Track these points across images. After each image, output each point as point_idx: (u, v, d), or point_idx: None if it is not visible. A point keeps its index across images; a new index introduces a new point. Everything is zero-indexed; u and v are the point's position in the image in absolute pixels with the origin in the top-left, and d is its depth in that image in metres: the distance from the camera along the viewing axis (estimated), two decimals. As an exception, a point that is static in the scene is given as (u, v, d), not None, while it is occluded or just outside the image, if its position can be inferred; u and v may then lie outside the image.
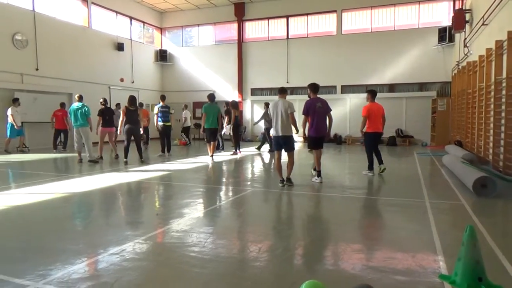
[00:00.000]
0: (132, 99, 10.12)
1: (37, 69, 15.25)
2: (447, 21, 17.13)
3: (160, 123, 12.11)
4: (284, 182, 7.10)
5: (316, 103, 7.38)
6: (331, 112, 7.63)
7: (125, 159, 10.09)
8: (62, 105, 14.42)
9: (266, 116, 13.52)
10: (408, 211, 5.30)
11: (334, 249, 3.77)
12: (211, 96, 10.99)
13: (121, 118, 10.12)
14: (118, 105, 15.11)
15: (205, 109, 10.83)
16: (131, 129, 9.99)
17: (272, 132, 7.12)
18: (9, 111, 13.07)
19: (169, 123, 12.21)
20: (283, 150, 7.17)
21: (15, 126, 12.96)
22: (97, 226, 4.65)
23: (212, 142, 11.06)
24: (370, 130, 8.32)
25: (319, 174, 7.47)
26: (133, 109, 9.97)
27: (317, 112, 7.35)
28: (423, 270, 3.21)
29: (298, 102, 18.78)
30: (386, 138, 17.40)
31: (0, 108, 14.00)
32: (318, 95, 7.65)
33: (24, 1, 15.00)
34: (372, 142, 8.41)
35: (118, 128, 10.30)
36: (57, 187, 6.95)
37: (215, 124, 10.87)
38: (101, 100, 11.67)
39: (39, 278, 3.04)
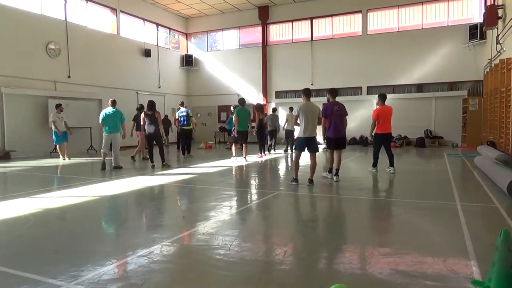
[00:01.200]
0: (149, 104, 10.31)
1: (69, 77, 15.82)
2: (478, 18, 16.58)
3: (181, 127, 13.09)
4: (298, 183, 7.29)
5: (334, 107, 7.84)
6: (347, 117, 8.09)
7: (151, 163, 10.29)
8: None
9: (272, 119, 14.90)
10: (438, 214, 5.16)
11: (361, 252, 3.71)
12: (242, 101, 11.99)
13: (141, 123, 10.40)
14: (141, 107, 15.40)
15: (237, 112, 11.70)
16: (150, 134, 10.19)
17: (300, 133, 7.20)
18: (50, 117, 13.09)
19: (188, 127, 13.10)
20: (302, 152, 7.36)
21: (58, 132, 12.66)
22: (125, 229, 4.76)
23: (244, 144, 11.90)
24: (379, 131, 8.97)
25: (336, 173, 7.84)
26: (151, 113, 10.19)
27: (334, 115, 7.83)
28: (455, 275, 3.10)
29: (321, 105, 18.65)
30: (415, 140, 17.01)
31: (38, 115, 14.60)
32: (341, 96, 8.04)
33: (57, 11, 15.62)
34: (380, 143, 9.06)
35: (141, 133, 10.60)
36: (88, 191, 7.16)
37: (247, 126, 11.76)
38: (137, 106, 12.18)
39: (71, 279, 3.14)
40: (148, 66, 19.83)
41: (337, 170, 7.87)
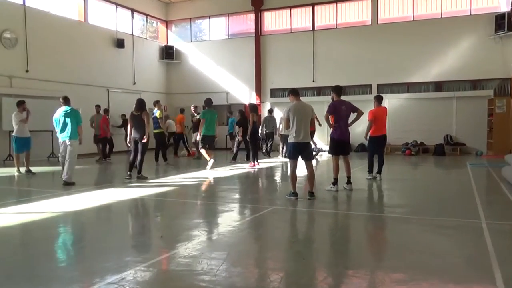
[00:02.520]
0: (137, 104, 10.19)
1: (27, 71, 15.73)
2: (505, 6, 16.83)
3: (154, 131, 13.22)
4: (298, 197, 7.30)
5: (341, 106, 8.10)
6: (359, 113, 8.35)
7: (128, 173, 10.16)
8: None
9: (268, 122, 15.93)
10: (460, 233, 5.20)
11: (370, 279, 3.71)
12: (209, 101, 12.21)
13: (129, 126, 10.31)
14: (106, 110, 15.71)
15: (203, 115, 11.91)
16: (136, 140, 10.08)
17: (291, 138, 7.22)
18: (14, 118, 11.31)
19: (158, 130, 13.26)
20: (299, 160, 7.39)
21: (19, 138, 11.23)
22: (92, 250, 4.71)
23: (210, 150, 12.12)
24: (374, 133, 9.60)
25: (348, 181, 8.18)
26: (138, 114, 10.08)
27: (343, 115, 8.10)
28: (480, 305, 3.11)
29: (327, 104, 18.60)
30: (433, 147, 17.14)
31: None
32: (347, 95, 8.26)
33: (13, -6, 15.56)
34: (375, 146, 9.72)
35: (128, 137, 10.30)
36: (48, 206, 7.09)
37: (214, 131, 12.07)
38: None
39: (27, 310, 3.09)
40: (121, 59, 19.80)
41: (349, 177, 8.20)
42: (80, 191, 8.53)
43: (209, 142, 12.00)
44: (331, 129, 8.21)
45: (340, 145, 8.15)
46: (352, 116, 8.30)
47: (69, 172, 9.26)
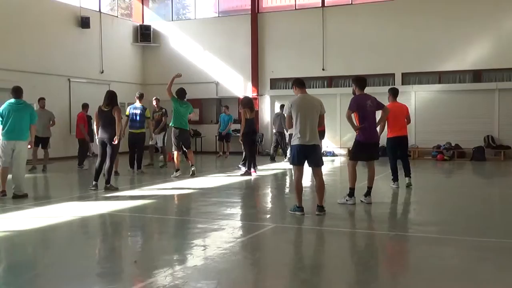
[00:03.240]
0: (107, 97, 10.09)
1: (-32, 56, 15.68)
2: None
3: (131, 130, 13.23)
4: (304, 212, 7.26)
5: (366, 101, 8.05)
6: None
7: (94, 183, 10.07)
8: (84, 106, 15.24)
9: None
10: (505, 257, 5.19)
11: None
12: (182, 92, 12.78)
13: (95, 123, 10.31)
14: (85, 105, 15.51)
15: (174, 105, 12.33)
16: (103, 140, 10.04)
17: (295, 139, 7.21)
18: None
19: (139, 130, 13.28)
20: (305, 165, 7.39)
21: None
22: (48, 280, 4.66)
23: (188, 150, 12.54)
24: (391, 134, 9.87)
25: (368, 192, 8.19)
26: (107, 110, 10.04)
27: (368, 113, 8.04)
28: None
29: (339, 97, 18.77)
30: (470, 150, 17.13)
31: None
32: (366, 87, 8.33)
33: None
34: (395, 149, 10.00)
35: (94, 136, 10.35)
36: (-6, 223, 7.04)
37: (187, 124, 12.46)
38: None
39: None
40: (86, 42, 19.73)
41: (369, 188, 8.23)
42: (34, 204, 8.47)
43: (182, 139, 12.24)
44: (356, 131, 8.14)
45: (368, 150, 8.12)
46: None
47: (20, 181, 9.05)
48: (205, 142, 20.84)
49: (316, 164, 7.39)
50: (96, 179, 10.12)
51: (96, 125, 10.18)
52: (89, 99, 16.41)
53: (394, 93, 10.12)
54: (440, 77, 18.51)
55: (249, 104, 13.45)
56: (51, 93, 16.20)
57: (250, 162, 12.86)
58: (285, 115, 7.45)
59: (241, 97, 17.68)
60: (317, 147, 7.38)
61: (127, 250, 5.82)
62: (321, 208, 7.28)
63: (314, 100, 7.39)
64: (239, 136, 13.16)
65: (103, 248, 5.95)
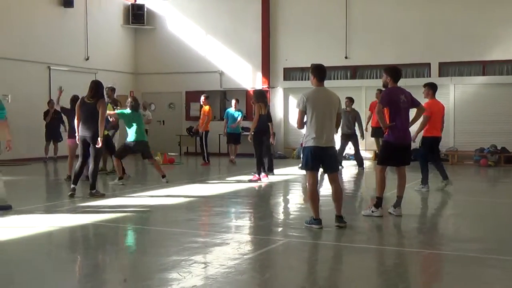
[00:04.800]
0: (91, 87, 10.06)
1: None
2: None
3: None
4: (321, 225, 7.22)
5: (400, 95, 8.03)
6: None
7: (72, 187, 10.11)
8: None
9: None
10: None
11: None
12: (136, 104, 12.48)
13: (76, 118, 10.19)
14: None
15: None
16: (85, 138, 10.04)
17: (309, 140, 7.20)
18: None
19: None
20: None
21: None
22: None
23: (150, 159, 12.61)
24: (429, 134, 10.43)
25: (398, 203, 8.16)
26: (91, 102, 10.05)
27: (401, 109, 8.01)
28: None
29: (365, 90, 18.70)
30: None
31: None
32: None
33: None
34: (430, 150, 10.64)
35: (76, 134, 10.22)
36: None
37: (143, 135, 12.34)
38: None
39: None
40: (69, 24, 19.81)
41: (400, 198, 8.19)
42: (6, 214, 8.51)
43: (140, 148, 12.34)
44: (385, 129, 8.14)
45: (398, 153, 8.06)
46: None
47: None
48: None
49: (333, 169, 7.40)
50: (75, 182, 10.12)
51: (77, 119, 10.10)
52: (71, 90, 16.42)
53: (434, 88, 10.63)
54: (484, 68, 18.43)
55: (263, 97, 13.45)
56: (27, 83, 16.26)
57: (260, 166, 12.83)
58: (298, 110, 7.37)
59: (250, 89, 17.77)
60: (334, 150, 7.42)
61: (114, 267, 5.82)
62: (341, 219, 7.27)
63: (332, 95, 7.37)
64: (249, 135, 13.11)
65: (86, 264, 5.94)
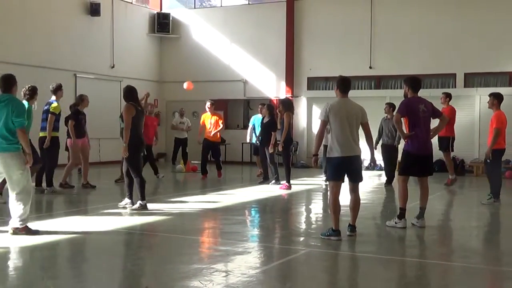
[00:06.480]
0: (125, 92, 9.92)
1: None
2: None
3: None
4: (341, 236, 7.18)
5: (419, 105, 8.01)
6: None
7: (128, 196, 9.65)
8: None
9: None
10: None
11: None
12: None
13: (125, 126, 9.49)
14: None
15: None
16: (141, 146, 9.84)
17: (333, 151, 7.20)
18: None
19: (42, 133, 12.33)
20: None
21: None
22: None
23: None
24: (498, 146, 10.32)
25: (421, 214, 8.13)
26: (142, 109, 9.97)
27: (422, 118, 7.98)
28: None
29: (389, 100, 18.48)
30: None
31: None
32: (421, 89, 8.36)
33: None
34: (500, 162, 10.67)
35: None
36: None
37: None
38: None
39: None
40: (95, 32, 19.99)
41: (423, 209, 8.17)
42: (46, 216, 8.61)
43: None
44: (404, 139, 8.16)
45: (419, 163, 8.05)
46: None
47: (23, 213, 7.17)
48: (231, 151, 20.83)
49: (356, 180, 7.39)
50: (131, 196, 9.69)
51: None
52: (97, 97, 16.58)
53: (499, 98, 10.59)
54: (510, 78, 18.18)
55: (291, 106, 13.43)
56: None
57: (288, 175, 12.76)
58: (320, 120, 7.39)
59: (273, 98, 17.73)
60: (359, 159, 7.39)
61: (136, 274, 5.85)
62: (353, 228, 7.32)
63: (355, 106, 7.41)
64: (279, 144, 12.98)
65: (105, 270, 5.96)
